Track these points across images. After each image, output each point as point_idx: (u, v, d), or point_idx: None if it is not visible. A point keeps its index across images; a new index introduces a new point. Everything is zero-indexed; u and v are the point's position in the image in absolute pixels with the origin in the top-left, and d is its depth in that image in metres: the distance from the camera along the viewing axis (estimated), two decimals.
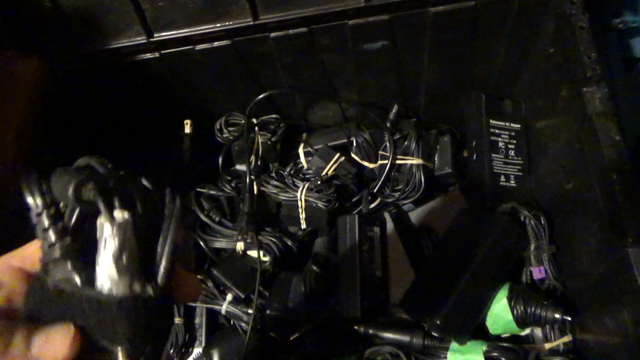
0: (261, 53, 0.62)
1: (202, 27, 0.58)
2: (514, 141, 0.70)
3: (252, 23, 0.57)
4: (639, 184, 0.46)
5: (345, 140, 0.75)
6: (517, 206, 0.61)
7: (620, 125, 0.48)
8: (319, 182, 0.68)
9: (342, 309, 0.60)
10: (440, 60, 0.65)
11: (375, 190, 0.71)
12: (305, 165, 0.74)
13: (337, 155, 0.72)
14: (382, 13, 0.57)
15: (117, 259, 0.22)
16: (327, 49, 0.62)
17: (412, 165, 0.70)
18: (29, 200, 0.23)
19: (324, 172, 0.71)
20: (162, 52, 0.61)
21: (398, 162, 0.70)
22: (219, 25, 0.58)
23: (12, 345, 0.22)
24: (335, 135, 0.76)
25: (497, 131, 0.69)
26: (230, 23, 0.57)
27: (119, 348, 0.22)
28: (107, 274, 0.22)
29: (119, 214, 0.22)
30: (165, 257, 0.24)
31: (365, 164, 0.73)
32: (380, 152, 0.73)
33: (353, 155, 0.74)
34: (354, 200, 0.72)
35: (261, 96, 0.67)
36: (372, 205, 0.71)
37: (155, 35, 0.59)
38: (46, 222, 0.22)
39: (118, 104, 0.68)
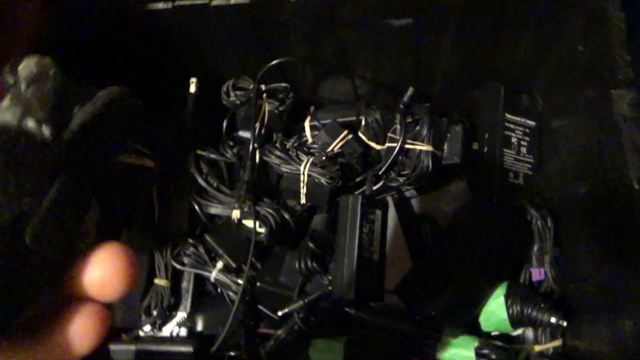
0: (278, 18, 0.59)
1: None
2: (528, 138, 0.68)
3: None
4: None
5: (354, 118, 0.73)
6: (525, 204, 0.60)
7: None
8: (323, 158, 0.66)
9: (336, 289, 0.59)
10: (461, 45, 0.63)
11: (380, 173, 0.69)
12: (310, 140, 0.72)
13: (345, 132, 0.70)
14: None
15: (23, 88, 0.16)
16: (347, 21, 0.59)
17: (421, 151, 0.68)
18: None
19: (329, 149, 0.69)
20: (176, 3, 0.58)
21: (407, 146, 0.68)
22: None
23: None
24: (344, 111, 0.74)
25: (512, 126, 0.67)
26: None
27: None
28: None
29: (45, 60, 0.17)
30: (81, 114, 0.17)
31: (373, 144, 0.71)
32: (389, 135, 0.70)
33: (360, 135, 0.72)
34: (357, 180, 0.70)
35: (274, 62, 0.64)
36: (375, 188, 0.70)
37: None
38: None
39: (121, 55, 0.65)
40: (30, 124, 0.15)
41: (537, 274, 0.58)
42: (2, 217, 0.14)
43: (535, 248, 0.59)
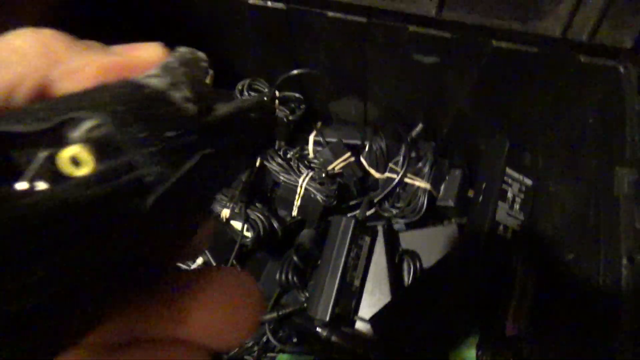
0: (311, 28, 0.59)
1: None
2: (522, 196, 0.69)
3: None
4: None
5: (359, 142, 0.74)
6: (511, 259, 0.61)
7: None
8: (323, 175, 0.66)
9: (312, 307, 0.58)
10: (481, 93, 0.64)
11: (375, 201, 0.69)
12: (312, 154, 0.72)
13: (349, 154, 0.70)
14: (446, 30, 0.56)
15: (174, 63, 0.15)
16: (377, 46, 0.60)
17: (418, 187, 0.68)
18: None
19: (330, 167, 0.69)
20: None
21: (406, 180, 0.69)
22: None
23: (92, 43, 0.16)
24: (351, 133, 0.74)
25: (509, 181, 0.69)
26: None
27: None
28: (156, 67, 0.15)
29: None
30: (227, 106, 0.16)
31: (373, 172, 0.71)
32: (390, 165, 0.71)
33: (362, 160, 0.72)
34: (351, 203, 0.70)
35: (296, 72, 0.65)
36: (367, 214, 0.70)
37: None
38: None
39: (144, 33, 0.64)
40: (177, 94, 0.14)
41: (510, 328, 0.59)
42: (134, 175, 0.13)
43: (514, 303, 0.59)
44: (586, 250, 0.54)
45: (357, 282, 0.62)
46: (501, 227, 0.68)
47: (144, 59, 0.16)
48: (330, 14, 0.57)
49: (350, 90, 0.70)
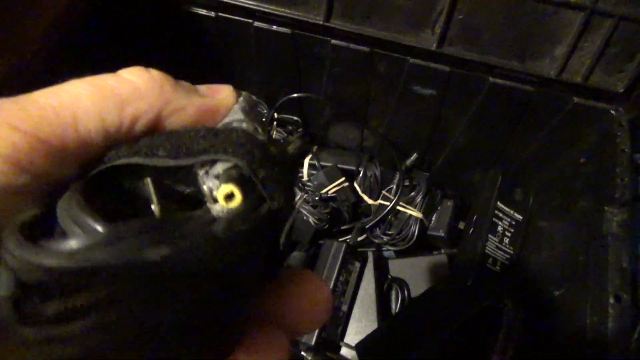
0: (315, 54, 0.60)
1: (270, 7, 0.57)
2: (512, 230, 0.70)
3: (321, 23, 0.56)
4: (633, 311, 0.47)
5: (354, 168, 0.74)
6: (499, 294, 0.61)
7: (633, 254, 0.49)
8: (317, 198, 0.66)
9: None
10: (477, 129, 0.65)
11: (367, 227, 0.70)
12: (306, 177, 0.73)
13: (343, 179, 0.71)
14: (445, 64, 0.57)
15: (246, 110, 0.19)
16: (380, 76, 0.61)
17: (410, 216, 0.69)
18: None
19: (324, 190, 0.69)
20: (219, 14, 0.59)
21: (398, 208, 0.70)
22: (287, 11, 0.56)
23: (181, 83, 0.19)
24: (346, 158, 0.75)
25: (500, 214, 0.69)
26: (300, 14, 0.56)
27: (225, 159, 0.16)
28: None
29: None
30: (296, 143, 0.20)
31: (366, 198, 0.72)
32: (384, 192, 0.72)
33: (356, 185, 0.73)
34: (342, 228, 0.70)
35: (294, 95, 0.66)
36: (358, 239, 0.70)
37: None
38: None
39: (150, 47, 0.65)
40: (260, 137, 0.17)
41: None
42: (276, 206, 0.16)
43: (501, 337, 0.59)
44: (574, 288, 0.54)
45: (344, 308, 0.62)
46: (490, 260, 0.68)
47: (225, 102, 0.19)
48: (334, 41, 0.58)
49: (349, 117, 0.71)
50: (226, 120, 0.19)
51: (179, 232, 0.14)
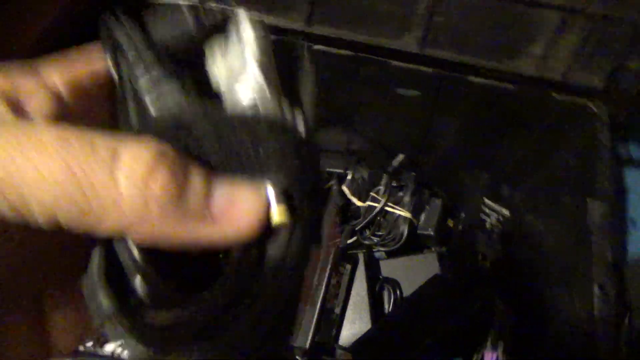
0: (298, 60, 0.61)
1: (251, 13, 0.57)
2: (500, 226, 0.71)
3: (303, 29, 0.56)
4: (616, 301, 0.48)
5: (341, 171, 0.75)
6: (490, 290, 0.62)
7: (615, 246, 0.50)
8: None
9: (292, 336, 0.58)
10: (462, 129, 0.66)
11: (356, 229, 0.70)
12: None
13: (331, 182, 0.71)
14: (428, 66, 0.58)
15: (264, 67, 0.17)
16: (364, 79, 0.62)
17: (399, 216, 0.70)
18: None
19: None
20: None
21: (387, 208, 0.70)
22: (270, 17, 0.57)
23: (189, 189, 0.14)
24: (334, 162, 0.75)
25: (488, 211, 0.70)
26: (282, 20, 0.56)
27: (269, 183, 0.15)
28: (251, 86, 0.17)
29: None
30: (307, 101, 0.19)
31: (355, 200, 0.73)
32: (372, 194, 0.72)
33: (344, 188, 0.74)
34: None
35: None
36: (348, 242, 0.71)
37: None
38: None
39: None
40: (288, 113, 0.18)
41: (489, 358, 0.59)
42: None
43: (493, 332, 0.60)
44: (561, 280, 0.55)
45: (337, 310, 0.62)
46: (480, 256, 0.69)
47: (241, 232, 0.15)
48: (317, 47, 0.59)
49: (336, 120, 0.72)
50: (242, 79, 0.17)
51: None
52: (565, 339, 0.51)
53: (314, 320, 0.58)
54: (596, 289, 0.48)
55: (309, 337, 0.58)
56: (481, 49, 0.55)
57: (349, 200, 0.73)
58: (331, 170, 0.74)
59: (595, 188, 0.53)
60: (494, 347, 0.59)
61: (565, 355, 0.50)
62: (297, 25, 0.57)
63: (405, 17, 0.55)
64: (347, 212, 0.74)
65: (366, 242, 0.71)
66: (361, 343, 0.61)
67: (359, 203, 0.73)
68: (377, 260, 0.73)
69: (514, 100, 0.59)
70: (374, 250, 0.72)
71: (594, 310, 0.47)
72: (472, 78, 0.59)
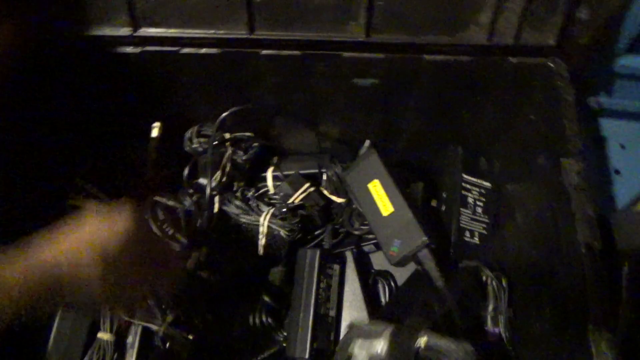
0: (250, 68, 0.60)
1: (193, 31, 0.56)
2: (483, 199, 0.70)
3: (246, 37, 0.55)
4: (604, 261, 0.47)
5: (316, 171, 0.74)
6: (480, 265, 0.61)
7: (595, 201, 0.49)
8: (284, 209, 0.66)
9: (290, 347, 0.57)
10: (426, 108, 0.65)
11: (339, 227, 0.69)
12: (272, 190, 0.72)
13: (308, 184, 0.70)
14: (379, 51, 0.57)
15: None
16: (319, 76, 0.60)
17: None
18: None
19: (290, 200, 0.68)
20: (145, 48, 0.58)
21: None
22: (211, 32, 0.56)
23: None
24: (307, 163, 0.74)
25: (468, 186, 0.69)
26: (224, 32, 0.55)
27: None
28: None
29: None
30: None
31: (334, 198, 0.71)
32: None
33: (322, 188, 0.72)
34: (316, 233, 0.69)
35: (235, 108, 0.64)
36: (334, 241, 0.69)
37: (141, 29, 0.56)
38: None
39: (87, 93, 0.64)
40: None
41: (492, 333, 0.59)
42: None
43: (490, 308, 0.59)
44: (547, 244, 0.54)
45: (332, 313, 0.61)
46: (467, 232, 0.68)
47: None
48: (265, 52, 0.57)
49: (300, 122, 0.71)
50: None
51: None
52: (560, 301, 0.50)
53: (310, 328, 0.57)
54: (583, 249, 0.47)
55: (307, 347, 0.56)
56: (428, 26, 0.54)
57: (329, 199, 0.72)
58: (305, 172, 0.72)
59: (566, 147, 0.52)
60: (494, 322, 0.59)
61: (562, 315, 0.49)
62: (240, 33, 0.56)
63: (346, 7, 0.54)
64: (330, 211, 0.73)
65: (356, 232, 0.69)
66: None
67: (339, 200, 0.71)
68: (367, 254, 0.72)
69: (471, 71, 0.58)
70: (362, 244, 0.71)
71: (584, 271, 0.46)
72: (425, 56, 0.57)
